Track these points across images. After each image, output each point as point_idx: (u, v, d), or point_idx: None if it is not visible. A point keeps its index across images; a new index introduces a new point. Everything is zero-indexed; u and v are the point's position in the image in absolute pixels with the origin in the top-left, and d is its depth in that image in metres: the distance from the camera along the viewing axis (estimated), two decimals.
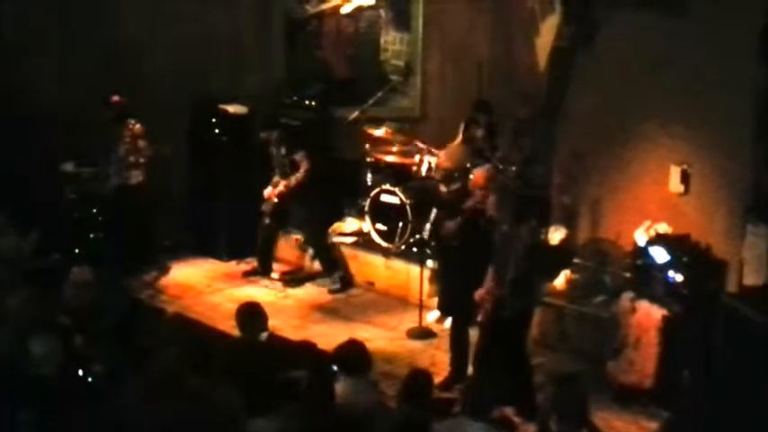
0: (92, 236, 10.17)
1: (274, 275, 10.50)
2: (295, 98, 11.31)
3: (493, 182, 8.12)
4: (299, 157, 10.19)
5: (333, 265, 10.47)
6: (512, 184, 8.97)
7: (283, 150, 10.26)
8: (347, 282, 10.40)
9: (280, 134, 10.30)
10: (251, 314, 6.92)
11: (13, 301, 6.82)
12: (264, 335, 6.92)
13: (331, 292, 10.28)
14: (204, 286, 10.40)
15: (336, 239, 10.63)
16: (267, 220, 10.44)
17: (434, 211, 9.52)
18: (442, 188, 9.41)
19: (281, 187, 10.25)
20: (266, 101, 11.16)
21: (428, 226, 9.75)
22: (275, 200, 10.31)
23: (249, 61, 11.56)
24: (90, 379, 6.33)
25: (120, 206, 10.27)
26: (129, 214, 10.32)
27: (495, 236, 7.65)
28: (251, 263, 10.71)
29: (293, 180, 10.20)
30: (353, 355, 6.38)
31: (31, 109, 10.21)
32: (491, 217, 7.82)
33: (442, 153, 9.84)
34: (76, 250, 9.81)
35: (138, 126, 10.22)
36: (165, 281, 10.45)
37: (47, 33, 10.45)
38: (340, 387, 6.18)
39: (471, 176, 9.15)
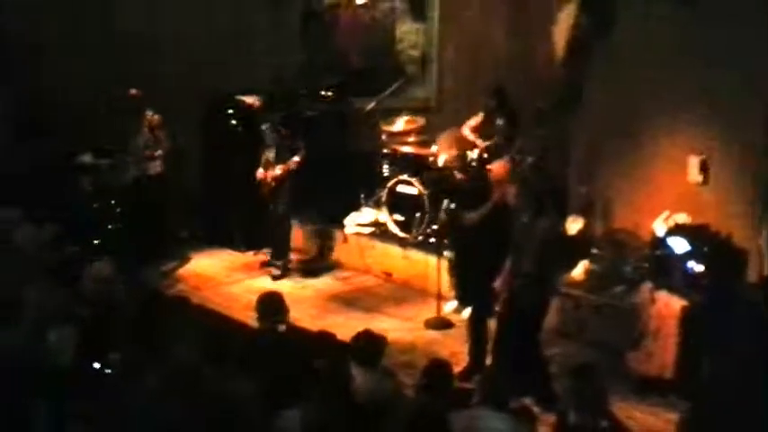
0: (110, 227, 10.20)
1: (275, 270, 10.40)
2: (311, 89, 11.29)
3: (512, 174, 8.07)
4: (299, 144, 10.17)
5: (283, 251, 10.43)
6: (531, 175, 8.91)
7: (282, 133, 10.20)
8: (288, 270, 10.38)
9: (282, 118, 10.26)
10: (272, 304, 6.91)
11: (31, 293, 6.84)
12: (283, 326, 6.92)
13: (274, 278, 10.24)
14: (222, 277, 10.42)
15: (353, 230, 10.63)
16: (271, 206, 10.37)
17: (446, 201, 9.50)
18: (459, 176, 9.39)
19: (277, 170, 10.15)
20: (282, 92, 11.15)
21: (442, 216, 9.73)
22: (271, 182, 10.21)
23: (265, 52, 11.56)
24: (107, 370, 6.34)
25: (138, 197, 10.30)
26: (148, 205, 10.36)
27: (514, 227, 7.62)
28: (267, 253, 10.70)
29: (291, 164, 10.11)
30: (367, 346, 6.38)
31: (48, 103, 10.24)
32: (512, 208, 7.77)
33: (441, 142, 9.84)
34: (95, 242, 9.84)
35: (156, 117, 10.26)
36: (184, 272, 10.48)
37: (62, 30, 10.50)
38: (356, 376, 6.18)
39: (488, 167, 9.16)
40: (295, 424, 5.58)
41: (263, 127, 10.30)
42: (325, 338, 6.67)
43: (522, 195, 7.65)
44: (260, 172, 10.26)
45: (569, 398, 5.75)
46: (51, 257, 8.01)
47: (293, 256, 10.64)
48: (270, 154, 10.22)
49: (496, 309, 7.94)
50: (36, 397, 5.96)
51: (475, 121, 10.05)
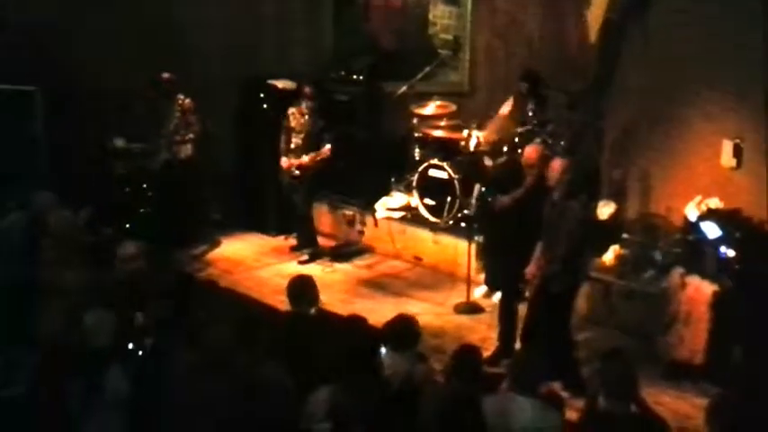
0: (142, 211, 10.28)
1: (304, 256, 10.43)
2: (343, 72, 11.30)
3: (545, 158, 8.01)
4: (328, 136, 10.12)
5: (310, 239, 10.46)
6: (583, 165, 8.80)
7: (320, 123, 10.15)
8: (316, 256, 10.40)
9: (313, 105, 10.14)
10: (303, 287, 6.94)
11: (68, 275, 6.92)
12: (313, 309, 6.95)
13: (300, 263, 10.28)
14: (253, 261, 10.47)
15: (383, 214, 10.65)
16: (294, 196, 10.33)
17: (477, 186, 9.47)
18: (488, 162, 9.35)
19: (305, 159, 10.10)
20: (315, 76, 11.16)
21: (473, 201, 9.72)
22: (296, 172, 10.16)
23: (297, 36, 11.58)
24: (140, 352, 6.41)
25: (169, 181, 10.37)
26: (179, 189, 10.42)
27: (545, 210, 7.59)
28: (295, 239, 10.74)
29: (323, 153, 10.06)
30: (403, 329, 6.40)
31: (82, 87, 10.31)
32: (548, 191, 7.69)
33: (488, 126, 9.80)
34: (127, 225, 9.92)
35: (188, 101, 10.30)
36: (215, 255, 10.55)
37: (97, 14, 10.53)
38: (389, 361, 6.20)
39: (519, 151, 9.13)
40: (321, 408, 5.61)
41: (290, 111, 10.23)
42: (356, 322, 6.69)
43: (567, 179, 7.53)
44: (284, 160, 10.20)
45: (599, 382, 5.73)
46: (85, 241, 8.11)
47: (322, 241, 10.67)
48: (296, 140, 10.18)
49: (526, 294, 7.93)
50: (75, 377, 6.03)
51: (507, 107, 10.00)
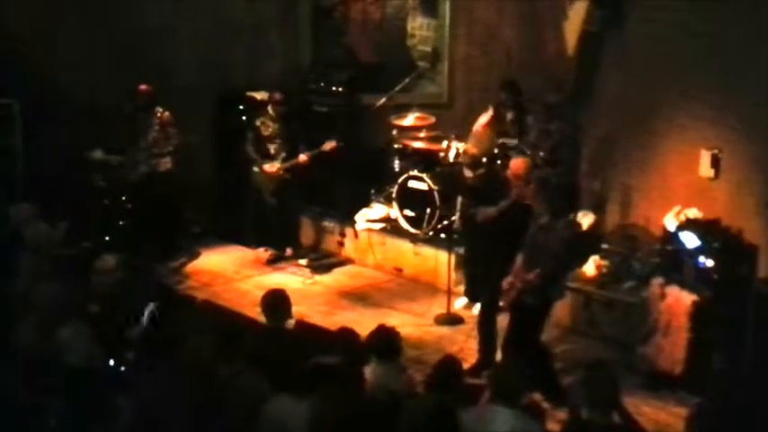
0: (121, 223, 10.22)
1: (302, 261, 10.48)
2: (322, 84, 11.30)
3: (531, 172, 8.01)
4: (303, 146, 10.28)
5: (293, 239, 10.64)
6: (555, 178, 8.82)
7: (293, 125, 10.33)
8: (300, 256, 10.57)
9: (281, 110, 10.31)
10: (276, 302, 6.93)
11: (42, 289, 6.87)
12: (291, 321, 6.93)
13: (268, 262, 10.54)
14: (232, 273, 10.43)
15: (363, 225, 10.64)
16: (273, 201, 10.45)
17: (459, 198, 9.48)
18: (468, 173, 9.36)
19: (303, 157, 10.23)
20: (293, 88, 11.15)
21: (457, 213, 9.73)
22: (285, 175, 10.29)
23: (276, 48, 11.58)
24: (120, 367, 6.36)
25: (148, 193, 10.33)
26: (158, 201, 10.38)
27: (530, 225, 7.59)
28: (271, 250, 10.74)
29: (327, 147, 10.21)
30: (385, 341, 6.39)
31: (58, 99, 10.27)
32: (530, 206, 7.71)
33: (471, 139, 9.82)
34: (106, 238, 9.87)
35: (166, 114, 10.29)
36: (194, 268, 10.50)
37: (72, 26, 10.50)
38: (371, 372, 6.18)
39: (498, 162, 9.14)
40: (300, 420, 5.58)
41: (258, 122, 10.38)
42: (342, 335, 6.67)
43: (542, 195, 7.57)
44: (269, 165, 10.30)
45: (582, 393, 5.73)
46: (63, 254, 8.05)
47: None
48: (273, 146, 10.33)
49: (501, 304, 7.92)
50: (50, 394, 5.98)
51: (486, 117, 10.02)
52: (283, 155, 10.30)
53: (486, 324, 8.21)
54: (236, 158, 10.73)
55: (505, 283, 7.61)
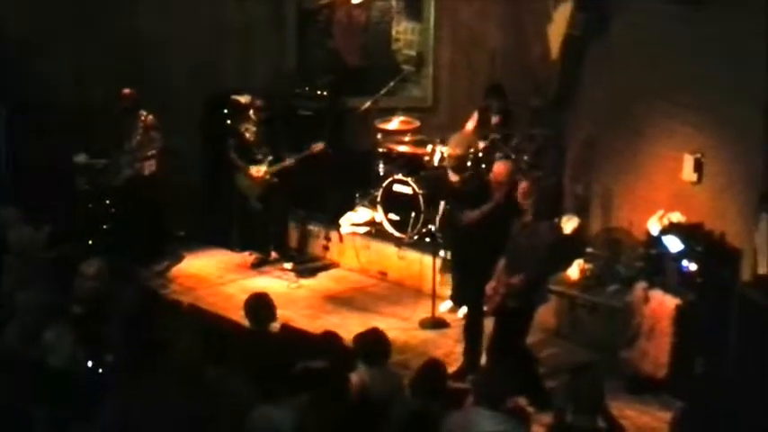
0: (104, 227, 10.19)
1: (287, 265, 10.47)
2: (307, 88, 11.29)
3: (514, 176, 8.02)
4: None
5: (283, 245, 10.58)
6: (538, 181, 8.83)
7: (276, 130, 10.29)
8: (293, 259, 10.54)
9: (262, 116, 10.24)
10: (259, 305, 6.93)
11: (25, 293, 6.84)
12: (275, 325, 6.92)
13: (253, 266, 10.47)
14: (217, 277, 10.41)
15: (348, 229, 10.64)
16: (259, 205, 10.41)
17: (443, 202, 9.47)
18: (453, 177, 9.38)
19: (290, 161, 10.17)
20: (278, 91, 11.14)
21: (438, 217, 9.73)
22: (272, 180, 10.24)
23: (261, 52, 11.57)
24: (102, 370, 6.34)
25: (132, 197, 10.30)
26: (142, 205, 10.35)
27: (512, 228, 7.60)
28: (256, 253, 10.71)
29: (315, 149, 10.16)
30: (374, 344, 6.38)
31: (43, 102, 10.23)
32: (518, 209, 7.70)
33: (452, 141, 9.83)
34: (89, 241, 9.83)
35: (150, 117, 10.26)
36: (178, 271, 10.47)
37: (60, 29, 10.48)
38: (358, 376, 6.17)
39: (483, 166, 9.15)
40: (287, 426, 5.57)
41: (242, 128, 10.33)
42: (327, 339, 6.66)
43: (531, 197, 7.56)
44: (255, 169, 10.24)
45: (567, 397, 5.74)
46: (46, 257, 8.02)
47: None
48: (258, 152, 10.26)
49: (485, 308, 7.92)
50: (34, 396, 5.95)
51: (472, 122, 10.04)
52: (269, 159, 10.25)
53: (471, 327, 8.22)
54: (223, 162, 10.70)
55: (489, 288, 7.62)
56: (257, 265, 10.57)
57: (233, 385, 5.95)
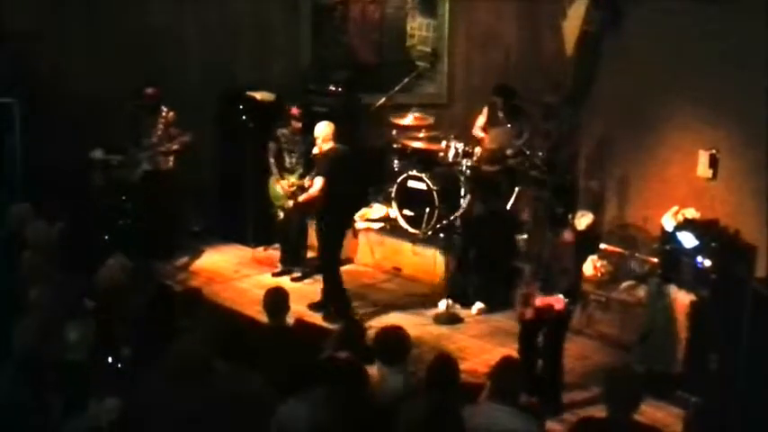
0: (121, 222, 10.24)
1: (297, 273, 10.27)
2: (321, 84, 11.32)
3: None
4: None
5: (299, 259, 10.27)
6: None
7: (310, 139, 9.63)
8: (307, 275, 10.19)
9: (302, 125, 9.90)
10: (278, 299, 6.94)
11: (42, 288, 6.88)
12: (291, 319, 6.93)
13: (293, 279, 10.09)
14: (232, 272, 10.45)
15: (362, 225, 10.65)
16: (288, 219, 10.13)
17: (467, 195, 9.47)
18: (487, 168, 9.38)
19: (303, 195, 9.52)
20: (293, 88, 11.17)
21: (461, 211, 9.74)
22: (298, 193, 9.73)
23: (276, 48, 11.60)
24: (119, 364, 6.38)
25: (148, 193, 10.34)
26: (158, 200, 10.39)
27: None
28: (277, 249, 10.60)
29: (313, 192, 9.25)
30: (394, 343, 6.35)
31: (60, 98, 10.28)
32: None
33: (485, 135, 9.87)
34: (106, 237, 9.88)
35: (171, 114, 10.31)
36: (194, 266, 10.52)
37: (75, 25, 10.53)
38: (378, 374, 6.17)
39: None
40: (299, 420, 5.59)
41: (279, 132, 10.05)
42: (347, 333, 6.66)
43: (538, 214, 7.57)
44: (285, 183, 9.95)
45: (604, 397, 5.68)
46: (62, 253, 8.06)
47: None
48: (290, 159, 10.03)
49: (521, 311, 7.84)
50: (54, 392, 5.98)
51: (482, 119, 10.07)
52: (300, 171, 9.99)
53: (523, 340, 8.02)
54: (241, 158, 10.68)
55: (520, 296, 7.59)
56: (278, 275, 10.29)
57: (245, 380, 5.96)
